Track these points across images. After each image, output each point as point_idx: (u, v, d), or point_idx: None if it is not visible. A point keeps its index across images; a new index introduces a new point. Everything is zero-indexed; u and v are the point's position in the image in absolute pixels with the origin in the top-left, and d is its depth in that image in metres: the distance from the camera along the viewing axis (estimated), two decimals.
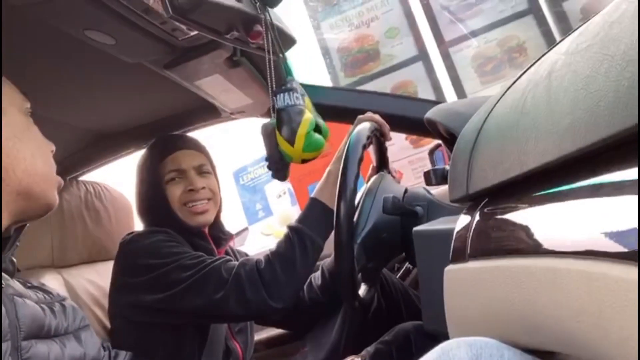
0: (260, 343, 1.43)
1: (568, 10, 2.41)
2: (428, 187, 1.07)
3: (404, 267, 1.39)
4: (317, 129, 0.82)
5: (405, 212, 0.94)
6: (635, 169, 0.26)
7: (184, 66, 0.97)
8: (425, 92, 2.51)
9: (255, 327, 1.28)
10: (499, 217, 0.45)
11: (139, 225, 1.34)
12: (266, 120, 0.91)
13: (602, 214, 0.29)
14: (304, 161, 0.83)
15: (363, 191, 1.08)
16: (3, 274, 0.66)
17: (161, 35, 0.86)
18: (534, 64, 0.47)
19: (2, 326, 0.57)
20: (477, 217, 0.48)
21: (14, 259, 0.71)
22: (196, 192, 1.13)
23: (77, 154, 1.31)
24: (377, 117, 1.07)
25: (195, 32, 0.90)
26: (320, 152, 0.82)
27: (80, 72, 1.05)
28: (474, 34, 2.50)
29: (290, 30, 0.88)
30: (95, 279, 1.17)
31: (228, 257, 1.03)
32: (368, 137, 0.97)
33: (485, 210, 0.47)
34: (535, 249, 0.39)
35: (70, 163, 1.32)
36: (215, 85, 1.08)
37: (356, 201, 1.02)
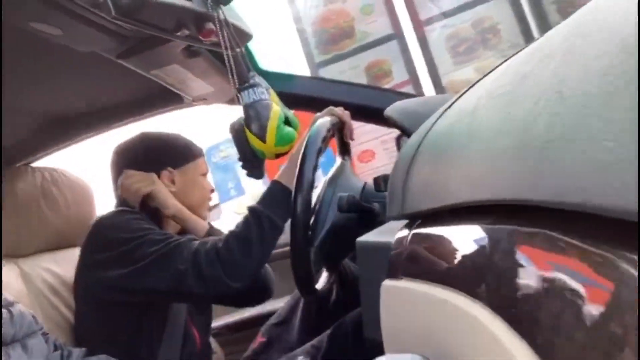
0: (220, 328, 1.46)
1: None
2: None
3: None
4: (287, 121, 0.80)
5: (362, 210, 0.96)
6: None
7: (139, 57, 0.94)
8: (399, 71, 2.50)
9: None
10: (428, 242, 0.46)
11: (100, 211, 1.33)
12: (233, 115, 0.88)
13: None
14: (277, 156, 0.82)
15: (324, 181, 1.09)
16: None
17: (111, 27, 0.83)
18: (469, 89, 0.47)
19: None
20: (409, 237, 0.49)
21: None
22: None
23: (31, 138, 1.28)
24: (337, 110, 1.07)
25: None
26: (292, 144, 0.80)
27: (34, 54, 1.01)
28: (449, 13, 2.48)
29: (246, 25, 0.86)
30: (54, 268, 1.16)
31: (193, 237, 1.06)
32: (328, 130, 0.97)
33: (417, 232, 0.48)
34: (450, 282, 0.40)
35: (23, 148, 1.28)
36: (173, 74, 1.05)
37: (316, 192, 1.03)
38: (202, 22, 0.73)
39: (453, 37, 2.51)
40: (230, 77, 0.78)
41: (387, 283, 0.53)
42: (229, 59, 0.78)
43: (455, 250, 0.39)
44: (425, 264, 0.44)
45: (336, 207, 0.99)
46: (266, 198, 1.03)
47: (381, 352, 0.71)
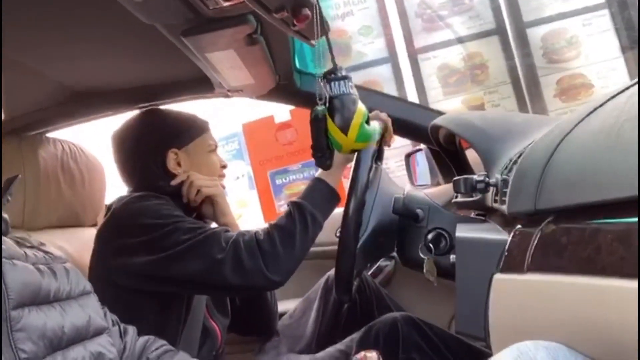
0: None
1: (530, 36, 2.53)
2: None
3: (376, 266, 1.42)
4: (367, 120, 0.82)
5: (409, 214, 0.97)
6: None
7: (204, 36, 0.92)
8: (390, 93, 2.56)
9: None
10: (570, 236, 0.48)
11: (110, 194, 1.27)
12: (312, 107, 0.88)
13: None
14: (353, 151, 0.83)
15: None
16: None
17: (193, 0, 0.82)
18: (621, 92, 0.50)
19: None
20: (540, 233, 0.51)
21: (6, 216, 0.65)
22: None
23: (51, 108, 1.21)
24: (383, 115, 1.08)
25: (227, 4, 0.87)
26: (369, 142, 0.81)
27: (73, 21, 0.97)
28: (443, 44, 2.58)
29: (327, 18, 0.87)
30: (64, 245, 1.09)
31: (227, 227, 1.02)
32: (380, 135, 0.99)
33: (552, 227, 0.50)
34: (607, 271, 0.42)
35: (41, 117, 1.21)
36: (225, 60, 1.04)
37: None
38: (300, 6, 0.73)
39: (445, 68, 2.61)
40: (332, 59, 0.80)
41: (502, 277, 0.55)
42: (330, 46, 0.80)
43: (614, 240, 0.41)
44: (572, 256, 0.46)
45: (377, 214, 1.00)
46: (310, 195, 1.02)
47: (467, 346, 0.72)
